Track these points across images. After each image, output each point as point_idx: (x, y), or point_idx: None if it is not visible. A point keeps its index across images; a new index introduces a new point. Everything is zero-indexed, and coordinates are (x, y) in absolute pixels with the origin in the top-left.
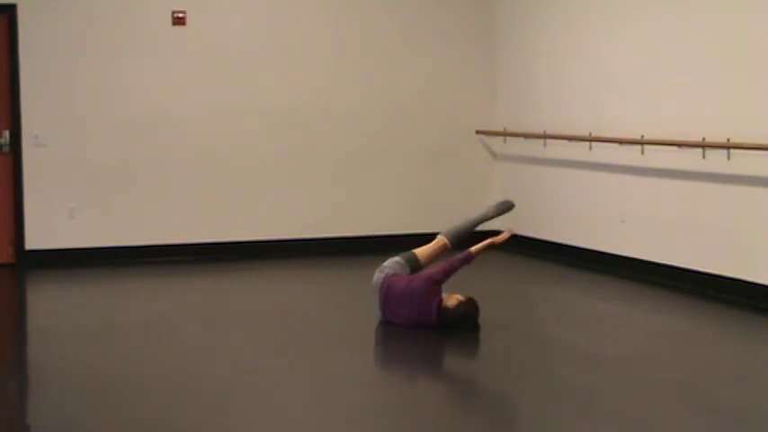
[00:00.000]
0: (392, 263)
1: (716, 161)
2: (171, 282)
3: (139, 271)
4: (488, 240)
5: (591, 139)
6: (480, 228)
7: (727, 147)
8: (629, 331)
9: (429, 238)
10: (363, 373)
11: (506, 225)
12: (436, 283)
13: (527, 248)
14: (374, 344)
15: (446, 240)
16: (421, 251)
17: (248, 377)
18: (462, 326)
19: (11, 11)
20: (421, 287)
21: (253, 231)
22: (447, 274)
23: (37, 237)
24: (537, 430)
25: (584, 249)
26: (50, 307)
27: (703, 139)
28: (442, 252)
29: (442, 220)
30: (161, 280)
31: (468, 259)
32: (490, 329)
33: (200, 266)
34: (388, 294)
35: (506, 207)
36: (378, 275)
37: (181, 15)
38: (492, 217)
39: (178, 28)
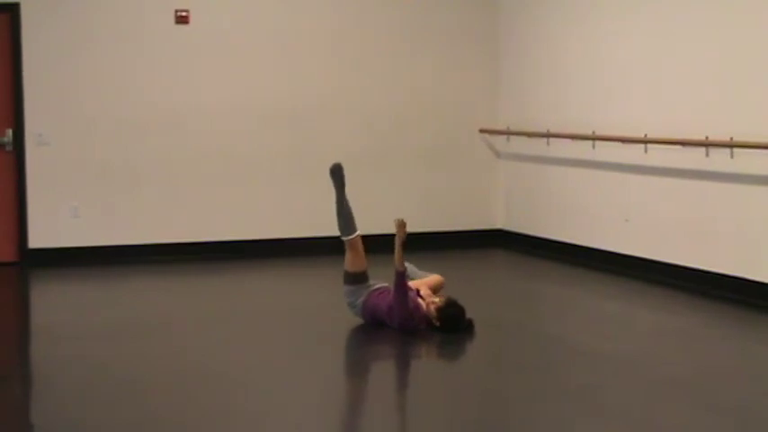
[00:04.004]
0: (349, 292)
1: (719, 160)
2: (174, 280)
3: (142, 269)
4: (396, 246)
5: (594, 138)
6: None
7: (731, 145)
8: (633, 330)
9: (432, 236)
10: (363, 371)
11: (396, 217)
12: (407, 318)
13: (530, 247)
14: (374, 342)
15: (348, 237)
16: (348, 264)
17: (252, 376)
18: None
19: (14, 10)
20: (399, 324)
21: (255, 230)
22: (404, 305)
23: (40, 235)
24: (540, 428)
25: (587, 248)
26: (54, 305)
27: (707, 137)
28: (359, 243)
29: (445, 218)
30: (164, 278)
31: (402, 277)
32: (493, 328)
33: (203, 265)
34: (374, 315)
35: (333, 173)
36: (354, 310)
37: (184, 14)
38: (340, 187)
39: (181, 27)
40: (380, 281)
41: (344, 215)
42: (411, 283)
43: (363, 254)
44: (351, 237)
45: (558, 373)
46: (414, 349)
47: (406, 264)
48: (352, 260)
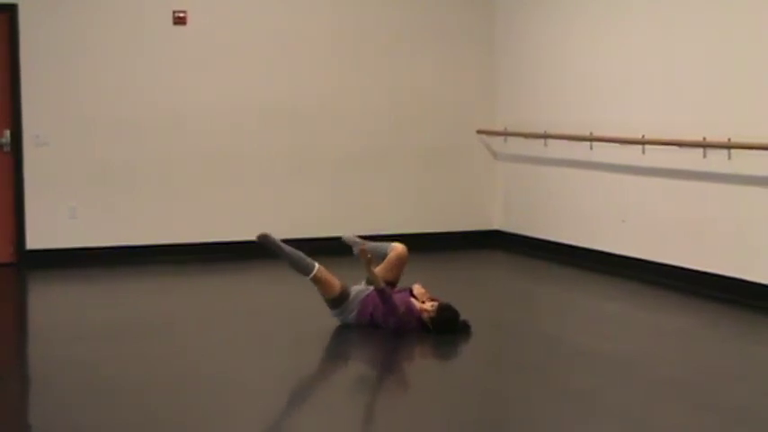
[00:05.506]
0: (336, 314)
1: (717, 161)
2: (172, 281)
3: (141, 270)
4: (366, 269)
5: (591, 139)
6: None
7: (728, 146)
8: (630, 331)
9: (429, 236)
10: (362, 371)
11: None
12: (403, 322)
13: (528, 248)
14: (373, 343)
15: (310, 276)
16: (322, 293)
17: (252, 377)
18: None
19: (12, 10)
20: (394, 327)
21: (254, 231)
22: (394, 313)
23: (38, 236)
24: (540, 428)
25: (584, 249)
26: (51, 306)
27: (704, 138)
28: (322, 275)
29: (443, 219)
30: (162, 279)
31: (382, 290)
32: (492, 328)
33: (202, 266)
34: (373, 320)
35: (261, 245)
36: (349, 323)
37: (182, 15)
38: (276, 250)
39: (179, 27)
40: (361, 284)
41: (293, 262)
42: (379, 269)
43: (332, 279)
44: (312, 275)
45: (558, 374)
46: (413, 349)
47: (369, 244)
48: (323, 290)
